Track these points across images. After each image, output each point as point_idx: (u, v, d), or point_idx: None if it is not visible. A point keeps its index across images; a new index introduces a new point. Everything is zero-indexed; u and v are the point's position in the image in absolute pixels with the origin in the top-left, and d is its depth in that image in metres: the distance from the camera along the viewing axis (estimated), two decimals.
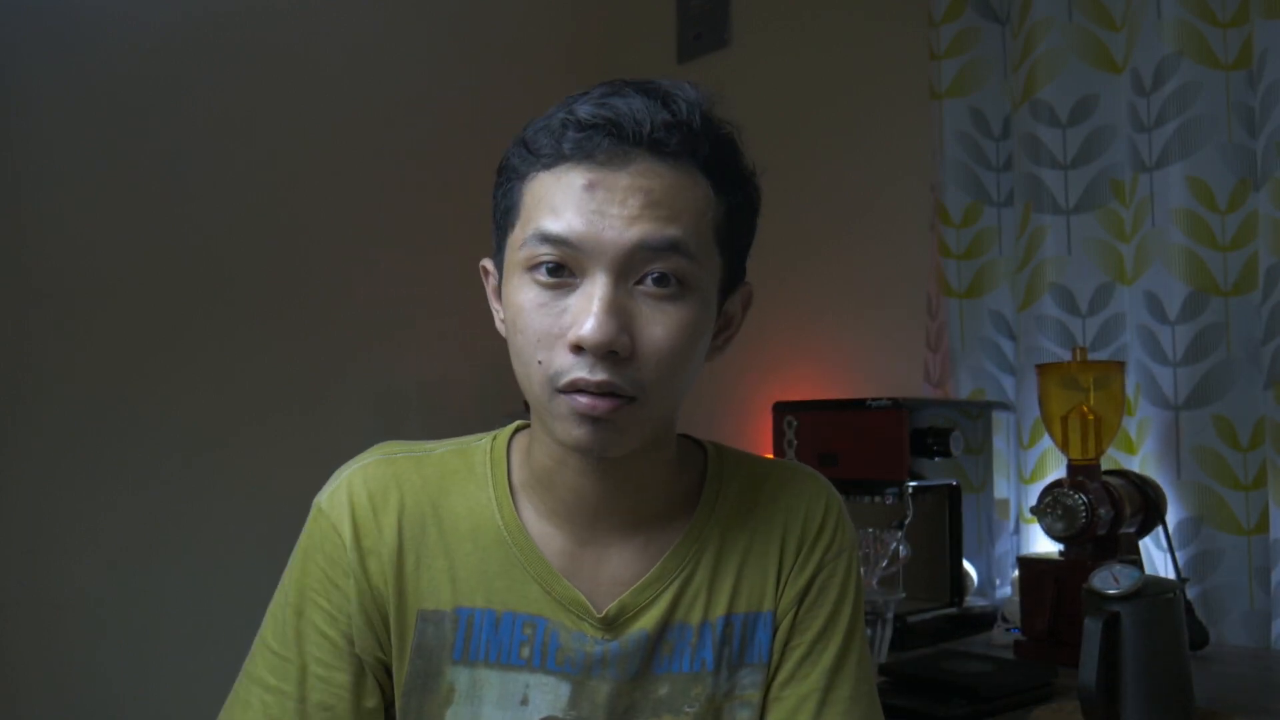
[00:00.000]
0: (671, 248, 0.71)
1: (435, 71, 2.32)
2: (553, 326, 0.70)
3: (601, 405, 0.69)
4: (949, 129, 1.88)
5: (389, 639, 0.77)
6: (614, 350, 0.69)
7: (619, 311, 0.69)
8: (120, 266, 1.87)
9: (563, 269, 0.71)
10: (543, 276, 0.71)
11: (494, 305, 0.83)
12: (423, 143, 2.28)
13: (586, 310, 0.69)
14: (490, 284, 0.83)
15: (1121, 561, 1.19)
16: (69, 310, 1.81)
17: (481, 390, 2.29)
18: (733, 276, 0.80)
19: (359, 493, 0.79)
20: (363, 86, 2.20)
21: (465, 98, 2.34)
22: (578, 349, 0.69)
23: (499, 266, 0.79)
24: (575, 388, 0.69)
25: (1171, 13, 1.58)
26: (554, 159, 0.72)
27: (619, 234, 0.70)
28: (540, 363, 0.71)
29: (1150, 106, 1.61)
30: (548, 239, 0.71)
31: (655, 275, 0.71)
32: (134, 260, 1.88)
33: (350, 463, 0.82)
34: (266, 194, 2.05)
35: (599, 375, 0.69)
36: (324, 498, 0.80)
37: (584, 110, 0.72)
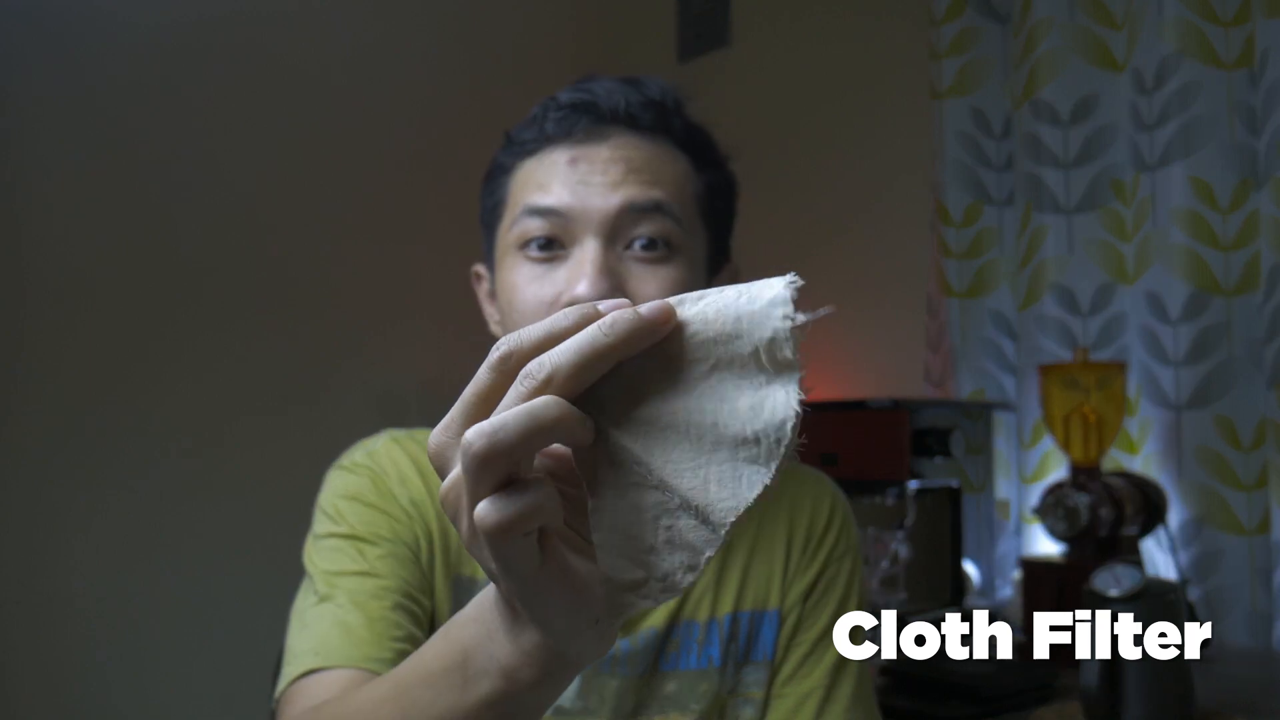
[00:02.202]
0: (656, 208, 0.73)
1: (435, 70, 2.31)
2: (547, 295, 0.72)
3: None
4: (949, 129, 1.87)
5: (433, 588, 0.76)
6: None
7: (611, 273, 0.72)
8: (116, 265, 1.87)
9: (553, 242, 0.73)
10: (534, 252, 0.74)
11: (487, 310, 0.84)
12: (422, 141, 2.27)
13: (579, 273, 0.71)
14: (483, 289, 0.84)
15: (1123, 562, 1.19)
16: (64, 309, 1.81)
17: None
18: (718, 254, 0.82)
19: (398, 454, 0.80)
20: (362, 84, 2.20)
21: (465, 96, 2.33)
22: None
23: (490, 265, 0.80)
24: None
25: (1173, 11, 1.57)
26: (537, 143, 0.76)
27: (604, 199, 0.72)
28: None
29: (1151, 106, 1.61)
30: (536, 212, 0.73)
31: (644, 241, 0.73)
32: (130, 258, 1.88)
33: (373, 437, 0.82)
34: (265, 191, 2.04)
35: None
36: (356, 456, 0.80)
37: (563, 95, 0.76)
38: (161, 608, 1.87)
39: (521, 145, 0.77)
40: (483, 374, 0.41)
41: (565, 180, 0.73)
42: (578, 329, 0.39)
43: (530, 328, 0.40)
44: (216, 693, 1.85)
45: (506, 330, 0.76)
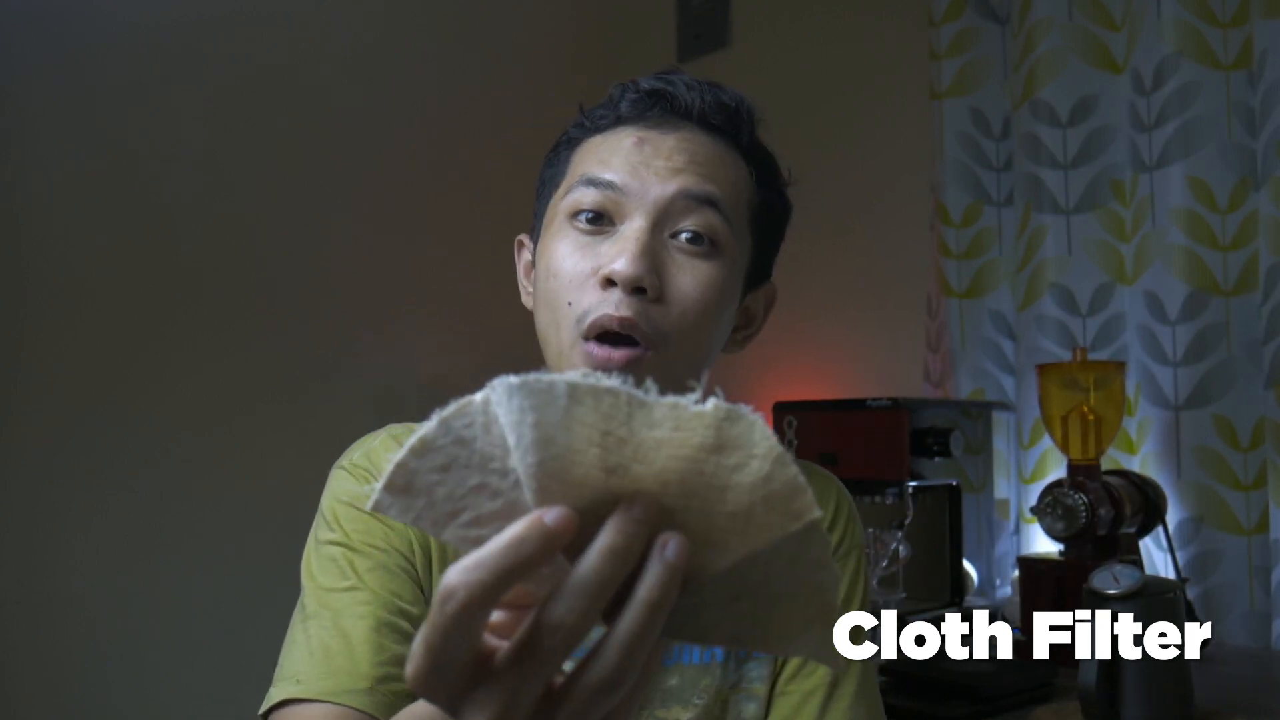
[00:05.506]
0: (709, 202, 0.74)
1: (435, 69, 2.31)
2: (587, 267, 0.73)
3: (617, 356, 0.71)
4: (949, 129, 1.88)
5: (427, 597, 0.75)
6: (642, 288, 0.71)
7: (652, 254, 0.72)
8: (116, 265, 1.86)
9: (603, 216, 0.74)
10: (583, 224, 0.74)
11: (522, 282, 0.86)
12: (422, 141, 2.27)
13: (622, 249, 0.72)
14: (524, 258, 0.85)
15: (1122, 561, 1.19)
16: (64, 309, 1.81)
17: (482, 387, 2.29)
18: (759, 269, 0.83)
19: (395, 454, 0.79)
20: (362, 84, 2.20)
21: (465, 96, 2.33)
22: (608, 283, 0.71)
23: (535, 235, 0.81)
24: (599, 327, 0.71)
25: (1172, 12, 1.57)
26: (608, 122, 0.78)
27: (661, 183, 0.74)
28: (570, 304, 0.73)
29: (1150, 106, 1.61)
30: (594, 183, 0.74)
31: (690, 233, 0.74)
32: (130, 259, 1.88)
33: (372, 434, 0.82)
34: (265, 191, 2.04)
35: (623, 311, 0.70)
36: (355, 457, 0.80)
37: (643, 81, 0.78)
38: (161, 608, 1.87)
39: (593, 123, 0.79)
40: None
41: (628, 158, 0.74)
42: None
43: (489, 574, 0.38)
44: (216, 693, 1.85)
45: (539, 300, 0.76)
